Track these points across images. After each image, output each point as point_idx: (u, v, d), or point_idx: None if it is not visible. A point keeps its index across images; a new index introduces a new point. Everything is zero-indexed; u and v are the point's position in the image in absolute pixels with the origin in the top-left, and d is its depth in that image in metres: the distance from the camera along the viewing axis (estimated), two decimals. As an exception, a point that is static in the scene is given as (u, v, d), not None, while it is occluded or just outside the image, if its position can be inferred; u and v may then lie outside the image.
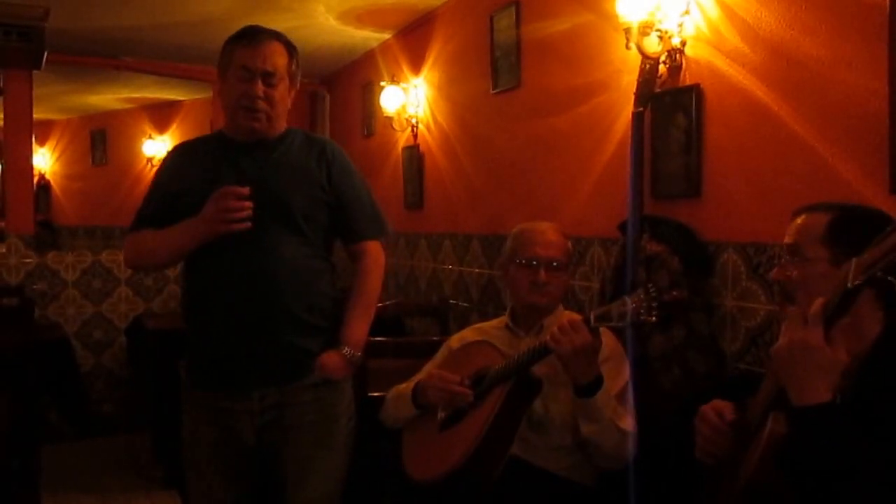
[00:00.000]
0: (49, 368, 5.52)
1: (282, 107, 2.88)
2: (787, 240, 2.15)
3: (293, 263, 2.82)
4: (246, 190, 2.74)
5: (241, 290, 2.79)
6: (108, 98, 9.07)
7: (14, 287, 6.61)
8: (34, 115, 7.03)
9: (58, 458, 5.86)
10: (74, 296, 7.00)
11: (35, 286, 6.80)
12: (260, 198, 2.77)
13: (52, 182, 10.45)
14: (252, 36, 2.85)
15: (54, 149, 10.45)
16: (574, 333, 2.68)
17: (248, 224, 2.73)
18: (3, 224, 6.93)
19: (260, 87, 2.80)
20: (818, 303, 1.77)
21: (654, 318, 2.55)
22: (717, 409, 2.27)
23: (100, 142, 10.11)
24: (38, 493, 5.02)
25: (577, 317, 2.74)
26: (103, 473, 5.73)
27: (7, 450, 4.64)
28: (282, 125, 2.93)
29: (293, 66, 2.92)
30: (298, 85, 2.98)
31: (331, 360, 2.89)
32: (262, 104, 2.81)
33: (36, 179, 9.47)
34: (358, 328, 2.95)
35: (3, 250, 6.75)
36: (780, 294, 2.22)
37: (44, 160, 10.31)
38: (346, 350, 2.91)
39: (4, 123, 6.88)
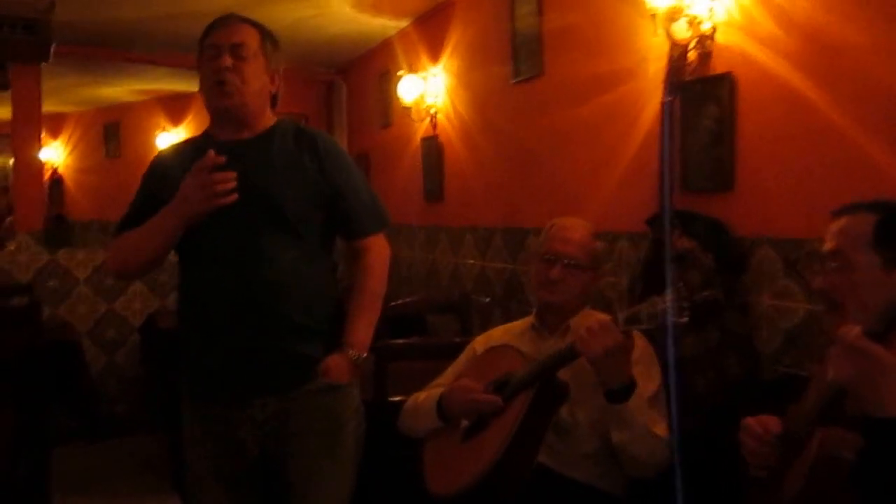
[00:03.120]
0: (57, 371, 5.44)
1: (256, 85, 2.74)
2: (828, 245, 2.01)
3: (289, 267, 2.69)
4: (222, 159, 2.58)
5: (236, 298, 2.67)
6: (120, 90, 9.05)
7: (24, 285, 6.52)
8: (46, 108, 7.00)
9: (70, 461, 5.79)
10: (86, 293, 6.90)
11: (48, 283, 6.72)
12: (251, 200, 2.64)
13: (65, 176, 10.42)
14: (220, 19, 2.78)
15: (67, 142, 10.42)
16: (603, 334, 2.54)
17: (235, 196, 2.58)
18: (13, 219, 6.88)
19: (228, 59, 2.68)
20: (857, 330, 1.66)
21: (685, 320, 2.40)
22: (764, 423, 2.15)
23: (113, 135, 10.09)
24: (49, 497, 4.95)
25: (604, 317, 2.61)
26: (116, 476, 5.66)
27: (12, 459, 4.57)
28: (260, 109, 2.79)
29: (268, 47, 2.80)
30: (281, 71, 2.86)
31: (335, 364, 2.75)
32: (230, 76, 2.67)
33: (49, 173, 9.47)
34: (362, 329, 2.82)
35: (13, 248, 6.66)
36: (824, 303, 2.07)
37: (57, 153, 10.28)
38: (351, 352, 2.77)
39: (13, 118, 6.79)
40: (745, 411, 2.34)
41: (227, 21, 2.76)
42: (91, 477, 5.62)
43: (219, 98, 2.70)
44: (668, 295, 2.43)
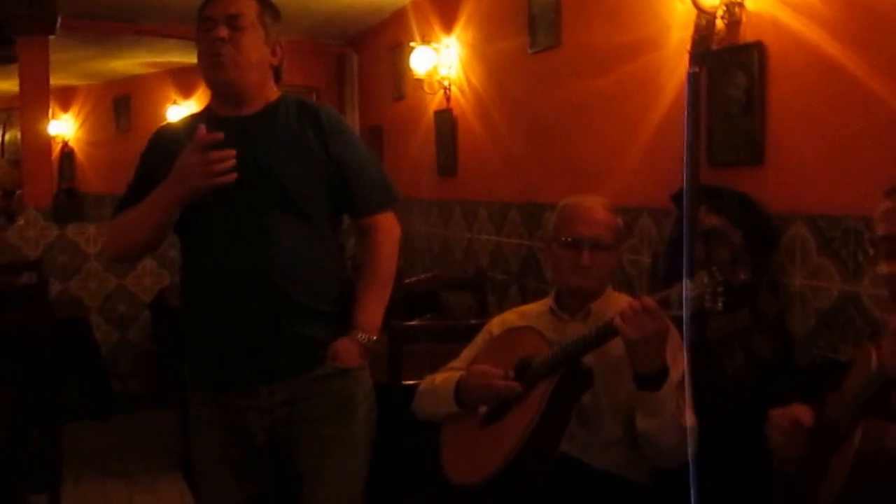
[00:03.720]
0: (67, 348, 5.39)
1: (255, 57, 2.63)
2: None
3: (294, 247, 2.60)
4: (219, 135, 2.46)
5: (239, 279, 2.57)
6: (130, 63, 8.99)
7: (33, 261, 6.48)
8: (55, 82, 7.01)
9: (81, 438, 5.77)
10: (97, 269, 6.89)
11: (57, 259, 6.70)
12: (253, 177, 2.53)
13: (75, 149, 10.37)
14: None
15: (77, 115, 10.36)
16: (647, 317, 2.41)
17: (234, 175, 2.46)
18: (22, 193, 6.84)
19: (224, 30, 2.57)
20: None
21: (720, 306, 2.28)
22: (793, 416, 2.04)
23: (123, 108, 10.03)
24: (59, 475, 4.91)
25: (649, 300, 2.46)
26: (127, 453, 5.65)
27: (22, 437, 4.53)
28: (260, 82, 2.69)
29: (267, 17, 2.68)
30: (283, 43, 2.75)
31: (344, 348, 2.66)
32: (226, 48, 2.56)
33: (59, 146, 9.42)
34: (372, 310, 2.72)
35: (22, 222, 6.64)
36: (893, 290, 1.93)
37: (67, 127, 10.22)
38: (361, 335, 2.68)
39: (20, 92, 6.78)
40: (778, 398, 2.24)
41: None
42: (102, 454, 5.61)
43: (215, 71, 2.60)
44: (702, 278, 2.31)
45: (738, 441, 2.64)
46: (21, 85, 6.72)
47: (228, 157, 2.44)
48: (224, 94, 2.67)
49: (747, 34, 3.17)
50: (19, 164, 7.24)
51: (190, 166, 2.46)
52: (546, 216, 4.64)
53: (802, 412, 2.05)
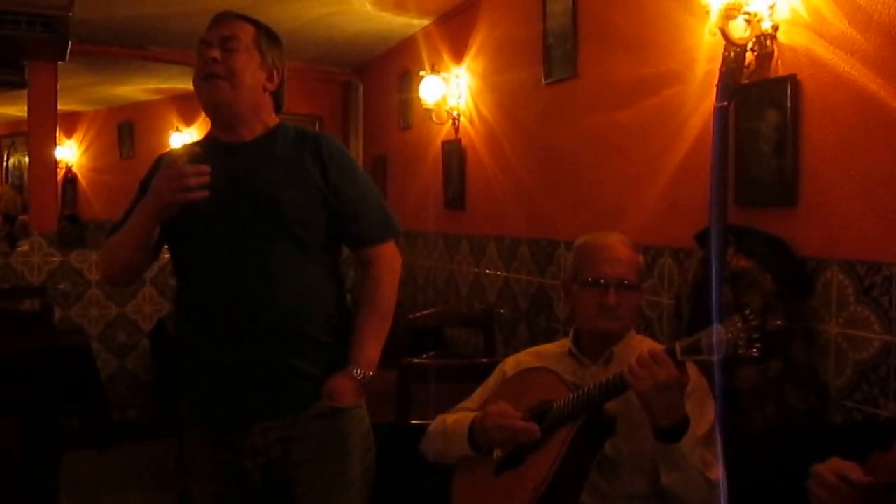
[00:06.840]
0: (68, 377, 5.40)
1: (249, 80, 2.62)
2: None
3: (289, 275, 2.56)
4: (198, 150, 2.50)
5: (232, 309, 2.53)
6: (135, 89, 8.98)
7: (36, 288, 6.52)
8: (61, 107, 6.97)
9: (79, 467, 5.71)
10: (98, 296, 6.88)
11: (60, 286, 6.69)
12: (249, 201, 2.53)
13: (79, 175, 10.30)
14: (215, 17, 2.70)
15: (81, 141, 10.30)
16: (656, 367, 2.28)
17: (206, 193, 2.43)
18: (26, 218, 6.82)
19: (216, 51, 2.59)
20: None
21: (755, 352, 2.14)
22: (838, 471, 1.89)
23: (127, 134, 9.99)
24: (56, 504, 4.91)
25: (658, 347, 2.35)
26: (125, 483, 5.59)
27: (22, 466, 4.48)
28: (255, 106, 2.67)
29: (263, 42, 2.68)
30: (282, 69, 2.75)
31: (339, 385, 2.61)
32: (218, 68, 2.57)
33: (63, 172, 9.37)
34: (370, 345, 2.66)
35: (26, 247, 6.63)
36: None
37: (71, 153, 10.17)
38: (357, 371, 2.62)
39: (29, 117, 6.78)
40: (813, 454, 2.09)
41: (220, 18, 2.69)
42: (100, 484, 5.57)
43: (208, 92, 2.60)
44: (736, 322, 2.17)
45: (769, 499, 2.49)
46: (30, 110, 6.73)
47: (202, 173, 2.43)
48: (218, 116, 2.66)
49: (779, 68, 3.04)
50: (23, 190, 7.21)
51: (163, 181, 2.45)
52: (559, 253, 4.51)
53: (849, 468, 1.90)
